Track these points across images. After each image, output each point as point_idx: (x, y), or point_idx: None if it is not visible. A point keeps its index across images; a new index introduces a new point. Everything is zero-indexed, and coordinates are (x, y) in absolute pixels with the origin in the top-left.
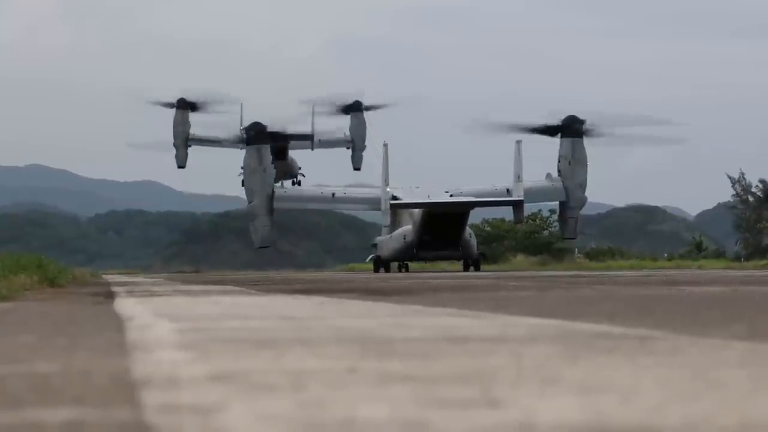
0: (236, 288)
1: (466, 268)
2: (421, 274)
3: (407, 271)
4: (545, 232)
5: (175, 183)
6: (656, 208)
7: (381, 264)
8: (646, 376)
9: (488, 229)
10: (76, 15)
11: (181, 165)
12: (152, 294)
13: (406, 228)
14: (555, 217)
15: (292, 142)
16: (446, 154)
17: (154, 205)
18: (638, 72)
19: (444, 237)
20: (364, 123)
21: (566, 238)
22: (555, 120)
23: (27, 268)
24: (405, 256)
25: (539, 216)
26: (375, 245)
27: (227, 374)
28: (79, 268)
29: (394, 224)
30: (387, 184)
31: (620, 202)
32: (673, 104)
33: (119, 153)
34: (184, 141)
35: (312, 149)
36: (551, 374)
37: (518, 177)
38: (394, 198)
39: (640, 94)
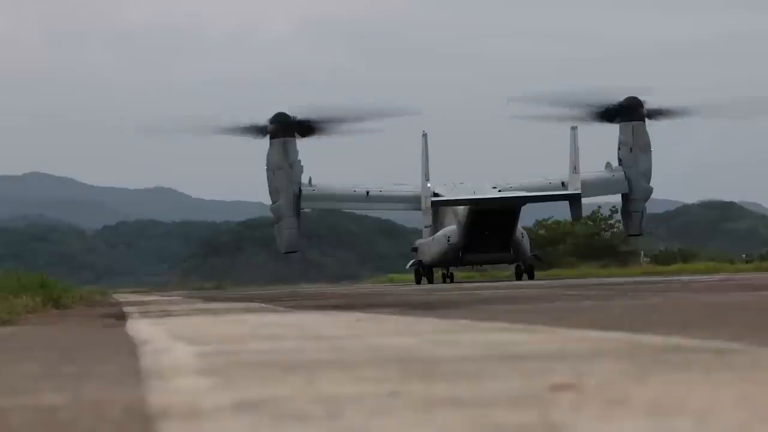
0: (262, 305)
1: (518, 276)
2: (468, 284)
3: (452, 281)
4: (606, 233)
5: (191, 189)
6: (731, 203)
7: (423, 271)
8: (724, 395)
9: (542, 232)
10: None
11: None
12: (168, 314)
13: (450, 228)
14: (617, 216)
15: None
16: (490, 144)
17: (168, 215)
18: (700, 51)
19: (493, 237)
20: None
21: (630, 235)
22: (612, 102)
23: (29, 288)
24: (449, 260)
25: (599, 215)
26: (415, 249)
27: (254, 402)
28: (86, 286)
29: (436, 225)
30: (427, 179)
31: (691, 198)
32: (738, 85)
33: (128, 157)
34: None
35: None
36: (617, 395)
37: (575, 168)
38: (436, 195)
39: (703, 73)
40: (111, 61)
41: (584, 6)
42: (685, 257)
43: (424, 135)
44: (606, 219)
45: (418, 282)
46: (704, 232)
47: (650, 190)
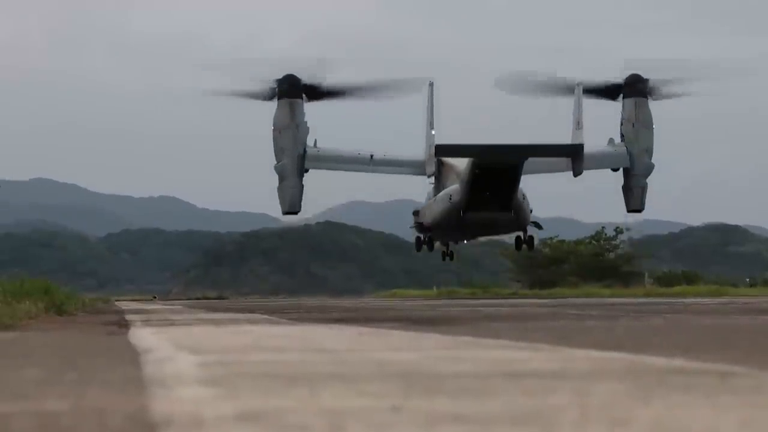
0: (265, 316)
1: (518, 246)
2: (471, 300)
3: (452, 258)
4: (610, 254)
5: (196, 199)
6: (736, 227)
7: (423, 239)
8: (726, 418)
9: (547, 251)
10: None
11: None
12: (171, 323)
13: (453, 188)
14: (621, 237)
15: None
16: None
17: (172, 224)
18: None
19: (495, 194)
20: None
21: (631, 211)
22: (616, 78)
23: (32, 294)
24: (450, 220)
25: (603, 235)
26: (417, 213)
27: (257, 413)
28: (88, 293)
29: (439, 187)
30: (432, 127)
31: (695, 220)
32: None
33: (133, 165)
34: None
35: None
36: (620, 415)
37: (578, 124)
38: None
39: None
40: (115, 68)
41: (584, 25)
42: (689, 279)
43: (431, 84)
44: (610, 239)
45: (418, 249)
46: (708, 254)
47: (651, 167)
